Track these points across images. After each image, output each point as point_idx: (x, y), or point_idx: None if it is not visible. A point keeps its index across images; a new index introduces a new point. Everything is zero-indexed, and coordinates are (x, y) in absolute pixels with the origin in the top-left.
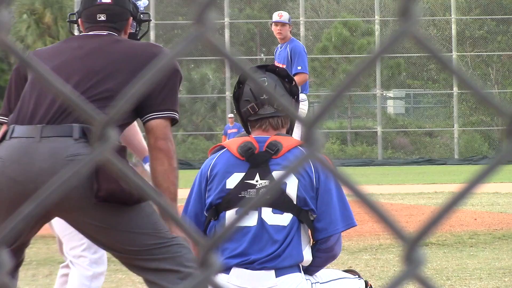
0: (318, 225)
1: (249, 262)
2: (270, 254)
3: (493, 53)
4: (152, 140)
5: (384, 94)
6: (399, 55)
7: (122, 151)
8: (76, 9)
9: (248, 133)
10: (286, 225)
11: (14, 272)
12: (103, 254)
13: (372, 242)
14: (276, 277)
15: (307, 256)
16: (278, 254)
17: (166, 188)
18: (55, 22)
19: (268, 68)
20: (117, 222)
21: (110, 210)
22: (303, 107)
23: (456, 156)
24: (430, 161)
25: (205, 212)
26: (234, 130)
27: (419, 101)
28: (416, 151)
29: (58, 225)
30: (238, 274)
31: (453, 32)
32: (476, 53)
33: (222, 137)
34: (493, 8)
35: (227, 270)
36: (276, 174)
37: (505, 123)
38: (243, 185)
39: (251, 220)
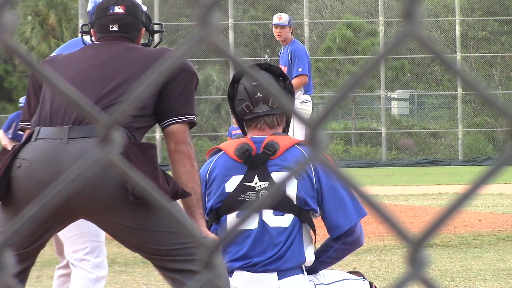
0: (336, 222)
1: (251, 265)
2: (272, 256)
3: (497, 54)
4: (172, 145)
5: (388, 95)
6: (403, 56)
7: (151, 148)
8: (80, 11)
9: (244, 133)
10: (287, 226)
11: (24, 274)
12: (105, 258)
13: (377, 243)
14: (279, 279)
15: (310, 256)
16: (280, 256)
17: (192, 188)
18: (59, 23)
19: (262, 66)
20: (147, 222)
21: (140, 209)
22: (308, 108)
23: (460, 157)
24: (434, 162)
25: (206, 217)
26: (239, 131)
27: (423, 102)
28: (421, 152)
29: None
30: (240, 277)
31: (457, 33)
32: (480, 54)
33: (227, 138)
34: (496, 9)
35: (229, 273)
36: (275, 175)
37: (509, 124)
38: (242, 188)
39: (252, 223)
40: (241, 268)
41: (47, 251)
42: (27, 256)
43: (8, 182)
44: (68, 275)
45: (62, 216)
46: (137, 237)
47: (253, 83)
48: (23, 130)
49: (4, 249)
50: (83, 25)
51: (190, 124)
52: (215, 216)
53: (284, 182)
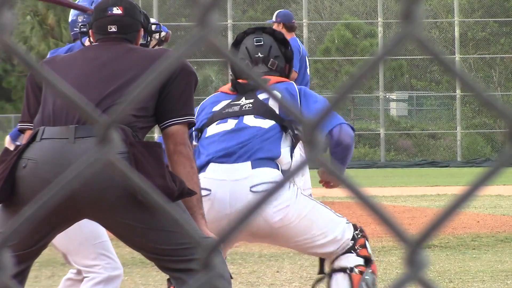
0: None
1: (225, 155)
2: (246, 141)
3: (496, 55)
4: (171, 146)
5: (387, 96)
6: (402, 57)
7: (157, 147)
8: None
9: None
10: (266, 127)
11: (23, 275)
12: (115, 258)
13: (375, 244)
14: (252, 168)
15: (285, 155)
16: (254, 144)
17: (192, 189)
18: (58, 23)
19: (266, 30)
20: (153, 221)
21: (147, 209)
22: None
23: (459, 159)
24: (433, 164)
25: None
26: None
27: (422, 103)
28: (419, 153)
29: (58, 240)
30: (214, 168)
31: (456, 34)
32: (479, 56)
33: None
34: (496, 10)
35: (203, 168)
36: (261, 95)
37: (508, 126)
38: (228, 105)
39: (228, 125)
40: (214, 160)
41: (45, 251)
42: (29, 257)
43: (13, 183)
44: (76, 281)
45: (66, 215)
46: (142, 237)
47: (255, 44)
48: (23, 131)
49: (3, 249)
50: (81, 25)
51: (189, 124)
52: (198, 133)
53: (281, 185)
